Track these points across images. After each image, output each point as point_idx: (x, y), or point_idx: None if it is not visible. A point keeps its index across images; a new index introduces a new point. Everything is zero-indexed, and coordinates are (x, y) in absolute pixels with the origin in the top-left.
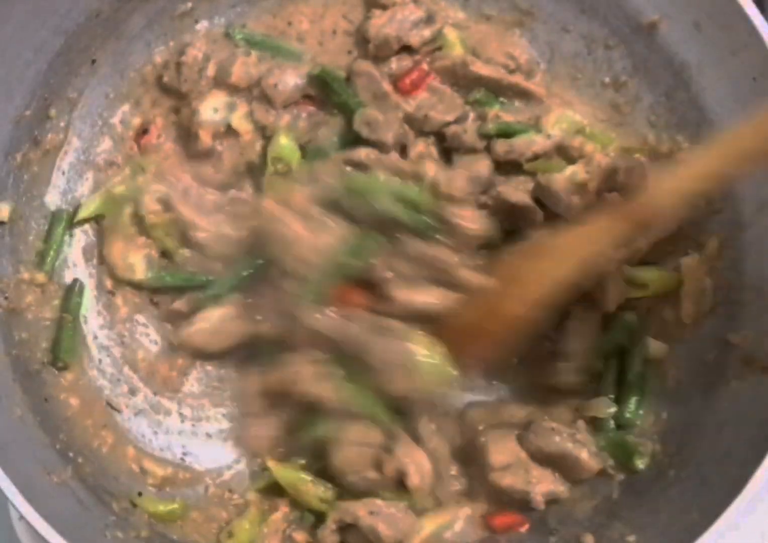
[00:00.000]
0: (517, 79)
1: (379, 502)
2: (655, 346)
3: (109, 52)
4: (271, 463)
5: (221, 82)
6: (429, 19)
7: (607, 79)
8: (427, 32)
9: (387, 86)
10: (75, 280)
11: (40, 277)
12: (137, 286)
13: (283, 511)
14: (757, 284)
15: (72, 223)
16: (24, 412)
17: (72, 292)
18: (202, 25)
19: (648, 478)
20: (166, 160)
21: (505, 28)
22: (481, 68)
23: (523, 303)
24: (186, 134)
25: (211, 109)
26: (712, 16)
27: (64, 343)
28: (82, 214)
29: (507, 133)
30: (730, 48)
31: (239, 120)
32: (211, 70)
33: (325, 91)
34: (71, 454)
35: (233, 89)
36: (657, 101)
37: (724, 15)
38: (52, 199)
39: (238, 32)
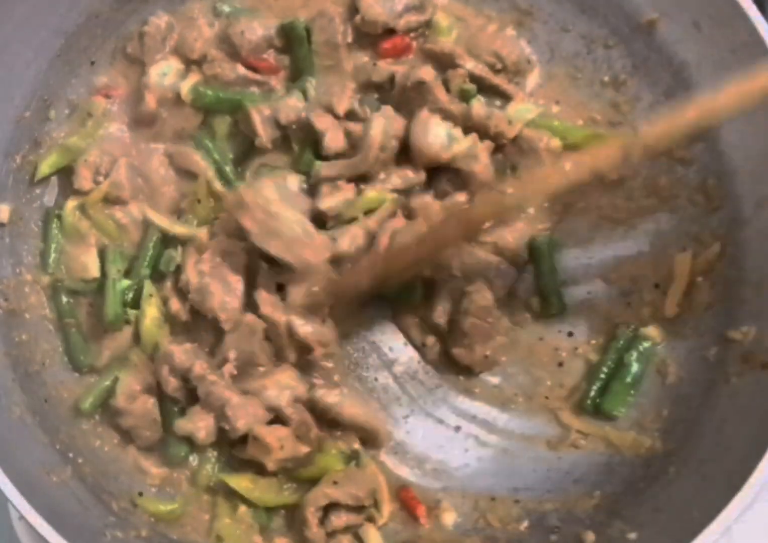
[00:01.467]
0: (500, 81)
1: (332, 473)
2: (649, 332)
3: (109, 53)
4: (223, 476)
5: (181, 53)
6: (421, 7)
7: (606, 79)
8: (414, 18)
9: (341, 39)
10: (56, 281)
11: (45, 279)
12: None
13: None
14: (757, 281)
15: (35, 182)
16: (23, 412)
17: (58, 293)
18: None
19: (649, 475)
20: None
21: (501, 26)
22: (466, 62)
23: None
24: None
25: (161, 73)
26: (711, 15)
27: (78, 349)
28: (42, 171)
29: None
30: (730, 47)
31: (188, 89)
32: (172, 41)
33: (289, 46)
34: (71, 454)
35: (191, 62)
36: (657, 100)
37: (723, 14)
38: (52, 200)
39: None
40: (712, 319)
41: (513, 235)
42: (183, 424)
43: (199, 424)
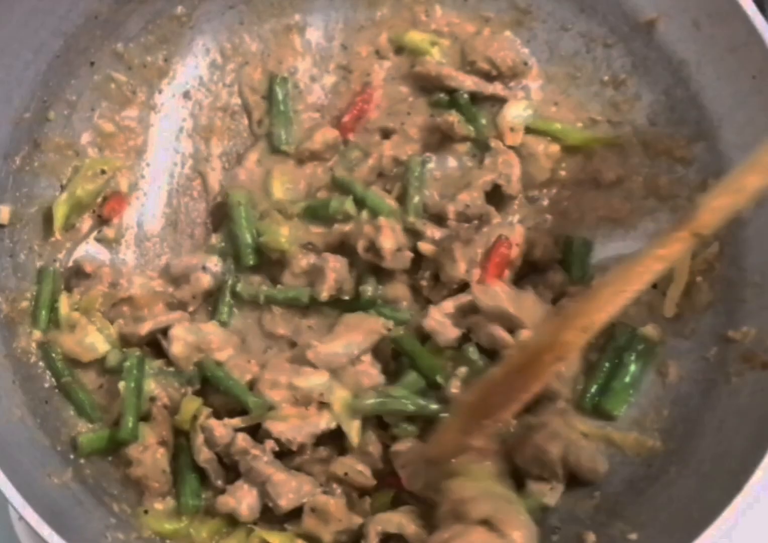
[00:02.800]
0: (496, 89)
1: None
2: (648, 332)
3: (108, 54)
4: (260, 533)
5: None
6: None
7: (606, 78)
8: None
9: None
10: (49, 347)
11: (37, 334)
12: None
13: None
14: (757, 280)
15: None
16: (24, 413)
17: (54, 360)
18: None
19: (649, 475)
20: None
21: (496, 29)
22: (455, 81)
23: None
24: None
25: None
26: (710, 14)
27: (87, 406)
28: (58, 223)
29: None
30: (729, 46)
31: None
32: None
33: None
34: (72, 456)
35: None
36: (656, 99)
37: (722, 13)
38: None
39: None
40: (711, 319)
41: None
42: (225, 501)
43: (243, 501)
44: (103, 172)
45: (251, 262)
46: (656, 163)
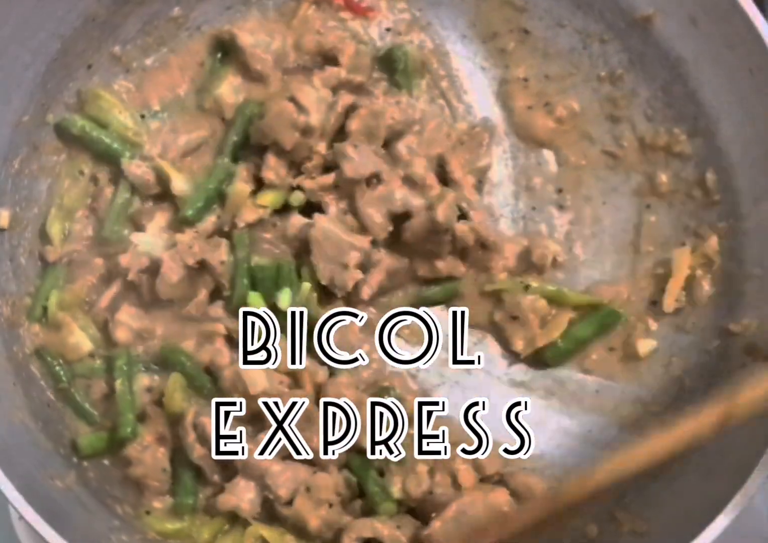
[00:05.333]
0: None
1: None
2: (642, 345)
3: (105, 57)
4: (256, 527)
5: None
6: None
7: (603, 74)
8: None
9: None
10: (42, 350)
11: (35, 327)
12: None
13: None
14: (757, 273)
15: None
16: (25, 416)
17: (47, 363)
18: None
19: (652, 470)
20: None
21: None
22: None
23: None
24: None
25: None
26: (707, 10)
27: (84, 409)
28: (56, 241)
29: None
30: (727, 42)
31: None
32: None
33: None
34: (75, 459)
35: None
36: (654, 95)
37: (719, 9)
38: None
39: None
40: (712, 313)
41: None
42: (226, 499)
43: (244, 497)
44: (81, 172)
45: None
46: (654, 159)
